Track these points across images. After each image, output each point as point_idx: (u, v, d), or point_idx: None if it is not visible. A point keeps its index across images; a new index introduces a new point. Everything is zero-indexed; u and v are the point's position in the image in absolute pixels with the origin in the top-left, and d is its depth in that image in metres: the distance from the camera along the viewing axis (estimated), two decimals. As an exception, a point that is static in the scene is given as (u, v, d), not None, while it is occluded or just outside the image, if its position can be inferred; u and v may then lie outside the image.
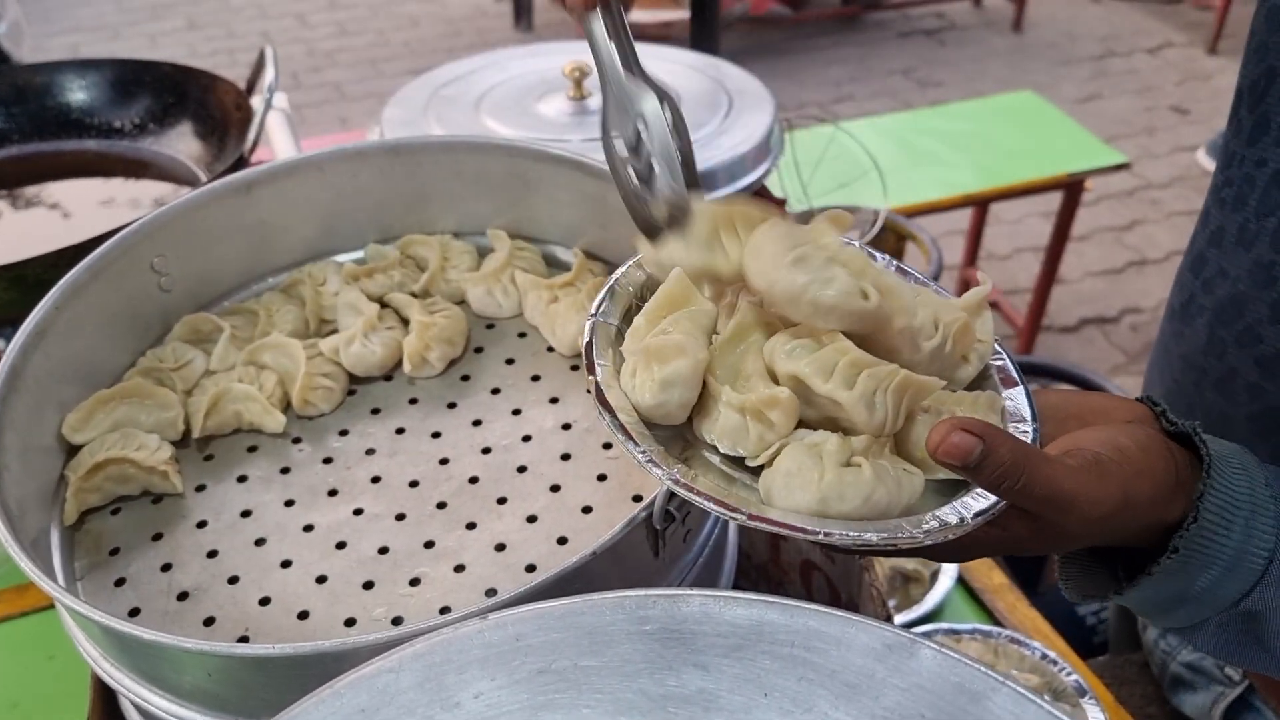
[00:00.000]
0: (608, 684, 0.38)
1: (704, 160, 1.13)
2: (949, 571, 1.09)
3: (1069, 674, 0.98)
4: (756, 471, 0.56)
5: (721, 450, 0.57)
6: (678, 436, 0.58)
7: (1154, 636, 1.01)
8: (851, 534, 0.50)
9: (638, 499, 0.69)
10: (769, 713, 0.37)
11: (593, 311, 0.61)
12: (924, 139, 2.54)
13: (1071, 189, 2.53)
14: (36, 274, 0.88)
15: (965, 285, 2.97)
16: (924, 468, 0.56)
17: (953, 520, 0.52)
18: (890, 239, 1.88)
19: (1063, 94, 4.15)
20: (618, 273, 0.64)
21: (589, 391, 0.57)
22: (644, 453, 0.52)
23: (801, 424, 0.57)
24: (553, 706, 0.38)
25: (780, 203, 1.16)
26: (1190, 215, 3.51)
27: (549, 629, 0.40)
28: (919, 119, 2.70)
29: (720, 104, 1.23)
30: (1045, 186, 2.47)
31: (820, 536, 0.50)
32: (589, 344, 0.58)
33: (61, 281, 0.72)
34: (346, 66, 4.53)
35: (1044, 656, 1.00)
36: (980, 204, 2.64)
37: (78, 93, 1.23)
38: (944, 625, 1.05)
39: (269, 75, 1.10)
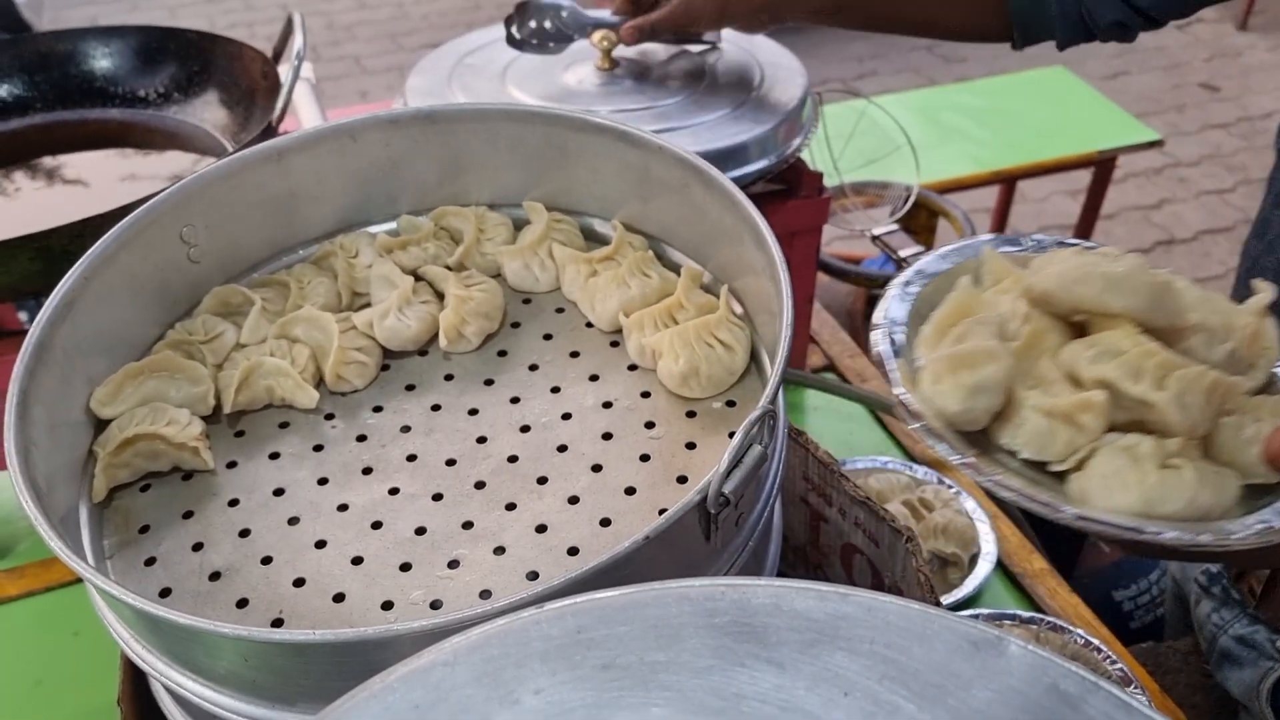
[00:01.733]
0: (678, 681, 0.36)
1: (735, 134, 1.10)
2: (988, 556, 1.07)
3: (1114, 662, 0.96)
4: (1054, 475, 0.56)
5: (1022, 455, 0.57)
6: (966, 443, 0.58)
7: (1208, 610, 0.98)
8: (1187, 536, 0.51)
9: (682, 480, 0.67)
10: (850, 714, 0.35)
11: (878, 320, 0.62)
12: (951, 115, 2.51)
13: (1102, 166, 2.49)
14: (62, 244, 0.86)
15: (991, 264, 2.94)
16: (1232, 469, 0.57)
17: (1277, 523, 0.53)
18: (923, 215, 1.85)
19: (1089, 70, 4.10)
20: (897, 279, 0.64)
21: (899, 404, 0.57)
22: (960, 456, 0.54)
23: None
24: (619, 705, 0.36)
25: (817, 176, 1.14)
26: (1220, 194, 3.47)
27: (612, 621, 0.38)
28: (946, 95, 2.66)
29: (752, 76, 1.20)
30: (1076, 164, 2.43)
31: (1155, 537, 0.52)
32: (880, 354, 0.59)
33: (90, 251, 0.70)
34: (366, 40, 4.51)
35: (1087, 644, 0.97)
36: (1009, 181, 2.60)
37: (101, 60, 1.21)
38: (983, 611, 1.03)
39: (298, 42, 1.07)
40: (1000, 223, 2.85)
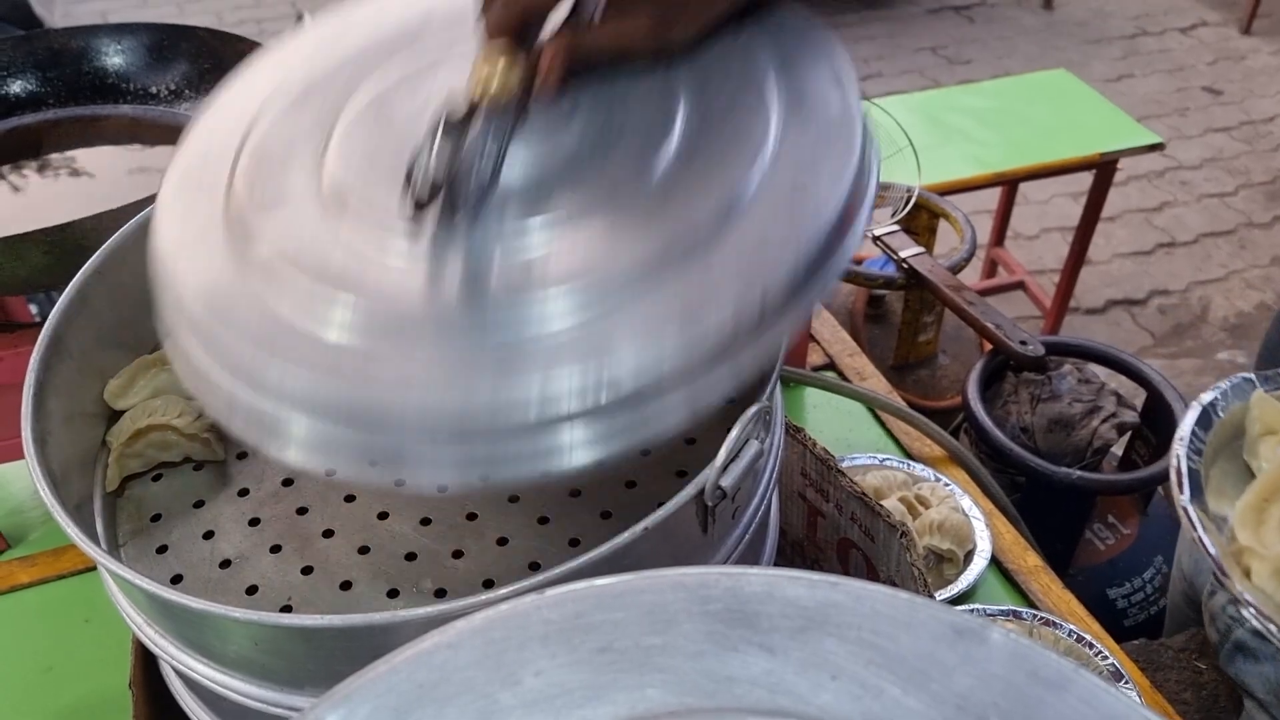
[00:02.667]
0: (672, 663, 0.38)
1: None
2: (983, 552, 1.09)
3: (1105, 658, 0.97)
4: None
5: None
6: None
7: (1223, 602, 0.99)
8: None
9: (682, 474, 0.68)
10: (838, 697, 0.36)
11: (1182, 496, 0.65)
12: (954, 116, 2.52)
13: (1104, 169, 2.50)
14: (75, 239, 0.88)
15: (993, 266, 2.95)
16: None
17: None
18: (923, 216, 1.86)
19: (1093, 73, 4.11)
20: (1179, 449, 0.64)
21: (1247, 606, 0.59)
22: None
23: None
24: (616, 686, 0.37)
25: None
26: (1221, 197, 3.48)
27: (610, 607, 0.40)
28: (949, 96, 2.68)
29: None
30: (1078, 166, 2.44)
31: None
32: (1202, 541, 0.62)
33: (105, 245, 0.71)
34: (372, 35, 4.52)
35: (1079, 639, 0.99)
36: (1010, 183, 2.62)
37: (114, 57, 1.22)
38: (975, 606, 1.05)
39: (307, 41, 1.08)
40: (1002, 224, 2.87)
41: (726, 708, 0.36)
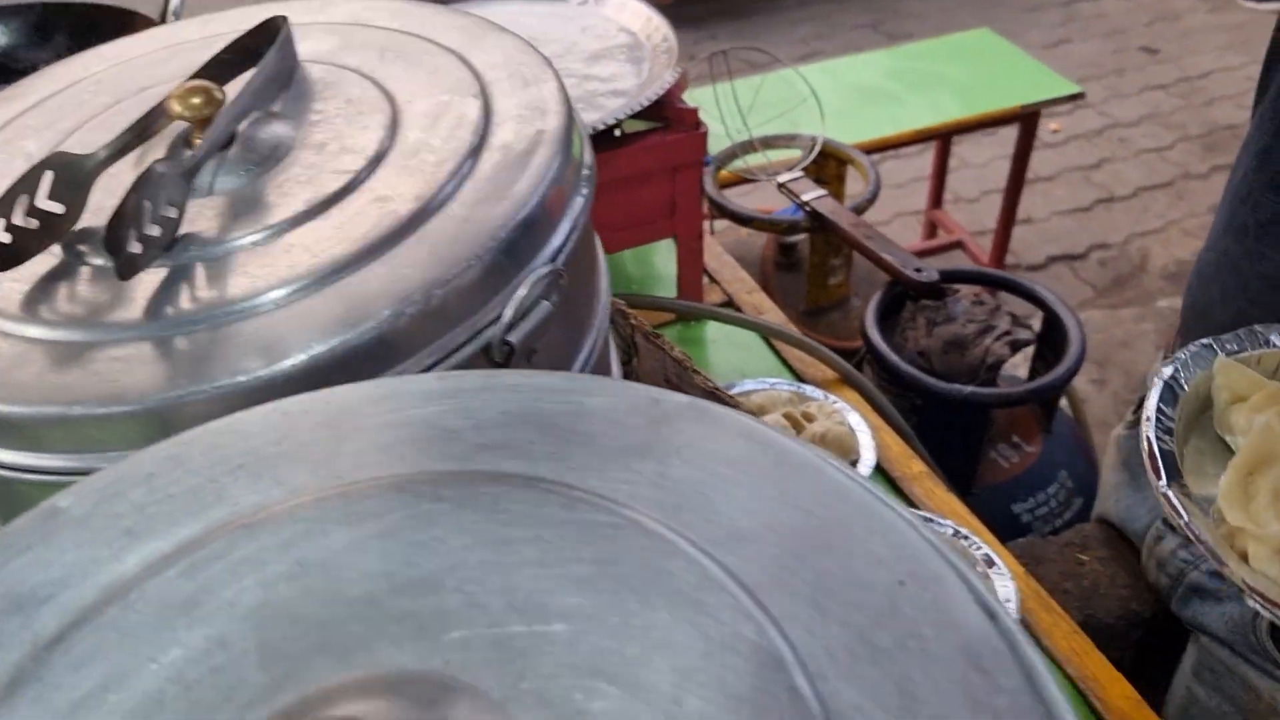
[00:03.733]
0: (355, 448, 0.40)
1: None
2: (867, 462, 1.11)
3: (978, 548, 0.99)
4: None
5: None
6: None
7: (1173, 546, 1.01)
8: None
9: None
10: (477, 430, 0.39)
11: (1160, 483, 0.61)
12: (880, 79, 2.56)
13: (1027, 121, 2.54)
14: None
15: (931, 228, 2.98)
16: None
17: None
18: (832, 165, 1.89)
19: (1031, 40, 4.15)
20: (1148, 431, 0.64)
21: (1247, 590, 0.57)
22: None
23: None
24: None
25: (693, 111, 1.17)
26: (1158, 152, 3.52)
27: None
28: (874, 60, 2.71)
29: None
30: (1000, 119, 2.48)
31: None
32: (1188, 527, 0.60)
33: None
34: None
35: (956, 533, 1.01)
36: (940, 138, 2.65)
37: (1, 38, 1.25)
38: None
39: (174, 1, 1.11)
40: (938, 186, 2.90)
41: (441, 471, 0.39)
